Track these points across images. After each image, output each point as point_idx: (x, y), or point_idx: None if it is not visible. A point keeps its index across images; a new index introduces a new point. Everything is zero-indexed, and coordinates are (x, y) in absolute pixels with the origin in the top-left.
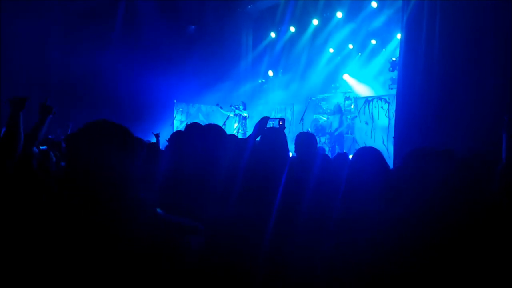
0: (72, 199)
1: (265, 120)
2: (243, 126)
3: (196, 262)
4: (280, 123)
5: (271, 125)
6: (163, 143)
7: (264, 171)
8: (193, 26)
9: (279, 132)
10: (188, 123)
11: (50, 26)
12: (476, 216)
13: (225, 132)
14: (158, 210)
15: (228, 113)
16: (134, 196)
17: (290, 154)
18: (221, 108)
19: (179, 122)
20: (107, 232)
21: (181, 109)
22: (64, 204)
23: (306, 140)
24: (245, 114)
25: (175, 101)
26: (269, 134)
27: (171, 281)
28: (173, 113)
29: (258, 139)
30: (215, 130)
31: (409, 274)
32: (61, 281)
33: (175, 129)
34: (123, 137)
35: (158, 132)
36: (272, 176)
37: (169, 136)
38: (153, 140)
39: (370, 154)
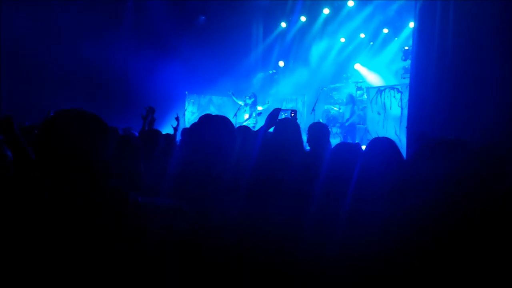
0: (40, 182)
1: (276, 111)
2: (255, 120)
3: (181, 242)
4: (292, 114)
5: (283, 117)
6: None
7: (277, 162)
8: (202, 17)
9: (292, 123)
10: (199, 114)
11: (59, 19)
12: (492, 211)
13: (232, 124)
14: (137, 196)
15: (238, 101)
16: (103, 183)
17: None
18: (233, 94)
19: (190, 113)
20: (72, 217)
21: (192, 101)
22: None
23: (319, 130)
24: (260, 108)
25: (186, 92)
26: (282, 125)
27: (142, 262)
28: (185, 105)
29: (270, 130)
30: (223, 122)
31: (422, 268)
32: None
33: (186, 121)
34: (95, 125)
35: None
36: (286, 168)
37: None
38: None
39: (384, 145)
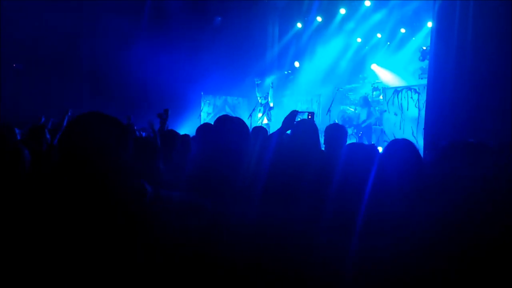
0: (60, 182)
1: (294, 114)
2: (269, 116)
3: (199, 239)
4: (309, 116)
5: (299, 119)
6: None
7: (295, 165)
8: (219, 18)
9: (311, 124)
10: (215, 115)
11: (79, 18)
12: None
13: (247, 126)
14: (158, 190)
15: (258, 95)
16: (122, 183)
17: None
18: (257, 85)
19: (206, 114)
20: (92, 216)
21: (208, 101)
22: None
23: (337, 132)
24: (271, 105)
25: (202, 93)
26: (300, 127)
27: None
28: (200, 105)
29: (287, 132)
30: (238, 123)
31: (443, 277)
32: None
33: (202, 121)
34: (115, 128)
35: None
36: (304, 171)
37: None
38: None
39: (403, 148)
